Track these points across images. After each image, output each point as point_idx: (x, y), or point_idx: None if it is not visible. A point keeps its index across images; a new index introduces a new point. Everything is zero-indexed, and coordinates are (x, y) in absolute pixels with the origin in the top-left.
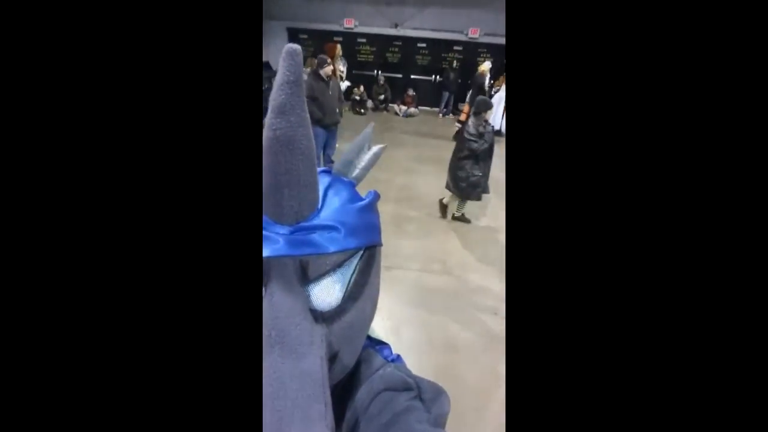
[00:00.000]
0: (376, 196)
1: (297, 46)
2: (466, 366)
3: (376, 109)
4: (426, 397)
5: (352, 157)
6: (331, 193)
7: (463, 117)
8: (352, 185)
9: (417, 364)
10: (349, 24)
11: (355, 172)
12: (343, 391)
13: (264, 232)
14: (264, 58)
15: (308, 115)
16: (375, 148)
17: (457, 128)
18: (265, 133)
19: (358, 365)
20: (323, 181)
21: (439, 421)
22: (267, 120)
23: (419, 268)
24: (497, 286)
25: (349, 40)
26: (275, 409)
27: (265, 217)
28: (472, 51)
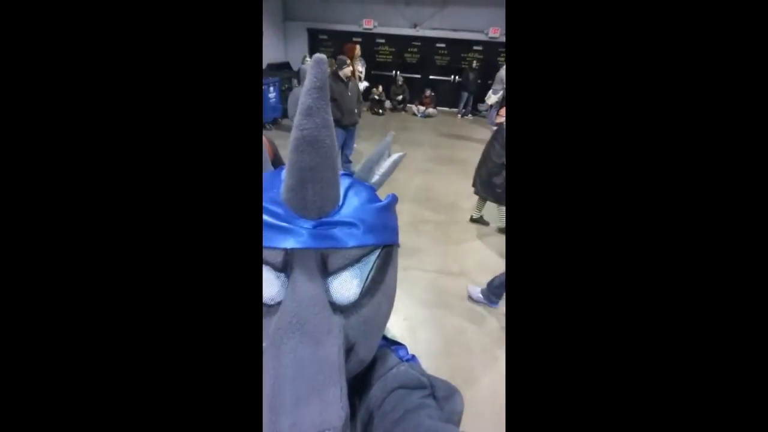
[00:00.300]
0: (395, 199)
1: (324, 56)
2: (481, 368)
3: (394, 109)
4: (439, 395)
5: (372, 164)
6: (351, 193)
7: (500, 119)
8: (372, 188)
9: (432, 365)
10: (369, 24)
11: (375, 178)
12: (358, 389)
13: (288, 225)
14: (284, 59)
15: (331, 118)
16: (394, 156)
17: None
18: (293, 133)
19: (373, 363)
20: (344, 182)
21: (452, 419)
22: (295, 121)
23: (436, 270)
24: None
25: (368, 40)
26: (293, 390)
27: (289, 211)
28: (493, 51)
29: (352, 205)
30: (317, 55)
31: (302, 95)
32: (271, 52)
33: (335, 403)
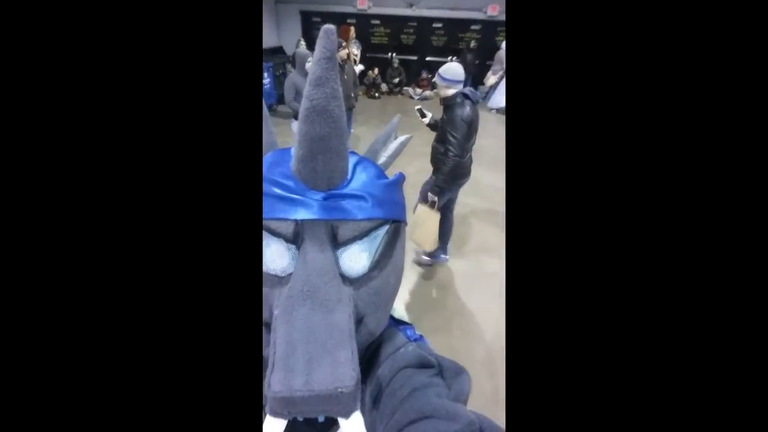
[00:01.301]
0: (402, 177)
1: (333, 26)
2: (480, 348)
3: (390, 92)
4: (447, 375)
5: (378, 146)
6: (359, 168)
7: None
8: (379, 167)
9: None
10: (363, 5)
11: (382, 160)
12: (366, 368)
13: (299, 197)
14: (277, 43)
15: (340, 88)
16: (401, 138)
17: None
18: (303, 104)
19: (381, 343)
20: (353, 159)
21: (460, 399)
22: (305, 92)
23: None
24: None
25: (363, 22)
26: (305, 352)
27: (300, 183)
28: (491, 30)
29: (360, 179)
30: (326, 26)
31: (312, 66)
32: (264, 37)
33: (347, 364)
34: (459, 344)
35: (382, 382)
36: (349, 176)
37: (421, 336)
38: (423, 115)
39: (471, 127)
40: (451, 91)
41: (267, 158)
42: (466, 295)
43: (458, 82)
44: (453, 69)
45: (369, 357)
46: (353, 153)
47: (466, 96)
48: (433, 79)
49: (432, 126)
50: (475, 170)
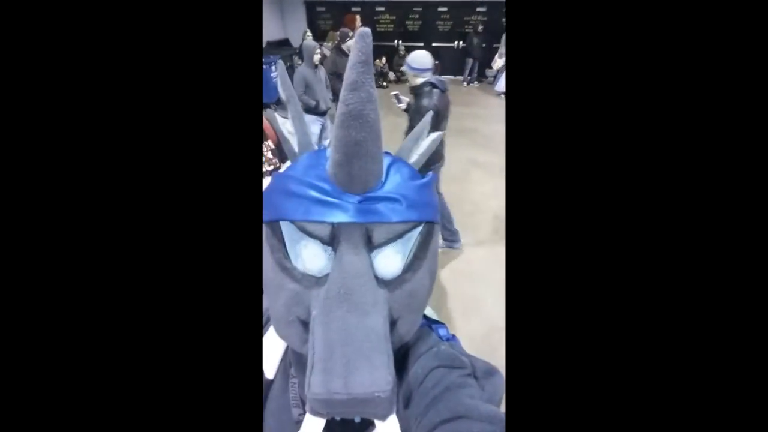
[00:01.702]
0: (434, 177)
1: (368, 30)
2: (498, 334)
3: (398, 80)
4: (479, 375)
5: (410, 145)
6: (393, 170)
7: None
8: (411, 167)
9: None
10: None
11: (414, 159)
12: (399, 366)
13: (335, 200)
14: (282, 35)
15: (375, 92)
16: (433, 135)
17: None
18: (339, 109)
19: (414, 342)
20: (386, 160)
21: (494, 400)
22: (341, 96)
23: (444, 245)
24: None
25: (368, 10)
26: (343, 354)
27: (335, 187)
28: (498, 12)
29: (394, 181)
30: (362, 29)
31: (348, 69)
32: (269, 30)
33: (383, 369)
34: (480, 330)
35: (414, 381)
36: (383, 178)
37: (453, 336)
38: (399, 101)
39: (438, 115)
40: (419, 80)
41: (302, 160)
42: (484, 282)
43: (426, 70)
44: (420, 58)
45: (402, 356)
46: (387, 153)
47: (433, 85)
48: (402, 68)
49: (407, 111)
50: (488, 156)
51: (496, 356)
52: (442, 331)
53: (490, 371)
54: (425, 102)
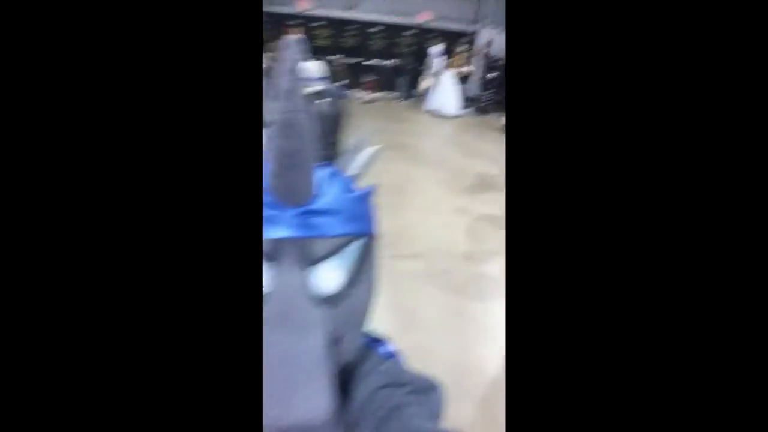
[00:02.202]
0: (372, 190)
1: (297, 37)
2: (439, 345)
3: None
4: (422, 391)
5: (348, 157)
6: (330, 181)
7: None
8: (349, 178)
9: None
10: (304, 6)
11: (352, 171)
12: (342, 388)
13: (270, 213)
14: None
15: (305, 100)
16: (371, 149)
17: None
18: (272, 118)
19: (357, 361)
20: (323, 171)
21: (436, 415)
22: (272, 106)
23: (391, 255)
24: (461, 264)
25: (307, 24)
26: (281, 378)
27: (270, 199)
28: (426, 36)
29: (331, 193)
30: (291, 36)
31: (278, 79)
32: None
33: (322, 393)
34: (420, 342)
35: (359, 404)
36: (319, 190)
37: (395, 352)
38: None
39: (333, 123)
40: (312, 89)
41: None
42: (417, 293)
43: (315, 79)
44: (309, 68)
45: (345, 377)
46: (325, 164)
47: (324, 94)
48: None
49: None
50: (421, 171)
51: (429, 368)
52: (383, 348)
53: (431, 386)
54: (317, 110)
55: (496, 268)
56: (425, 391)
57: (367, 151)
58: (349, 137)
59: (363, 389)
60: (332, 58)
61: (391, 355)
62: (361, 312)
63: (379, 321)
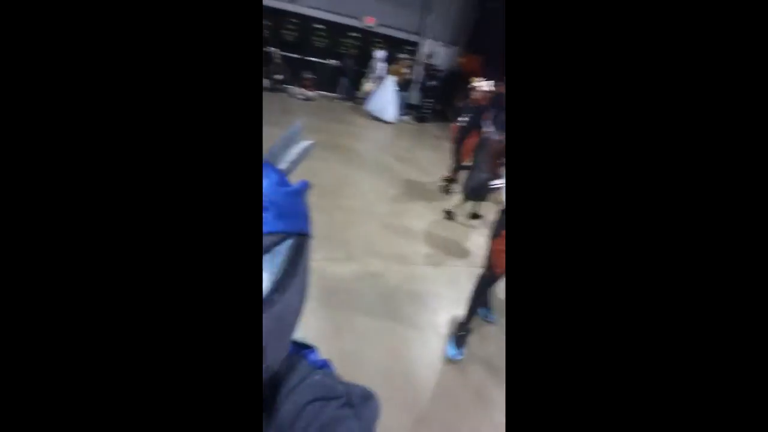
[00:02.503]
0: (306, 185)
1: None
2: (371, 351)
3: (273, 89)
4: (356, 402)
5: (278, 150)
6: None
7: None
8: (281, 172)
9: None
10: None
11: (282, 165)
12: (267, 404)
13: None
14: None
15: None
16: (304, 143)
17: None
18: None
19: (284, 373)
20: None
21: (370, 428)
22: None
23: (323, 257)
24: (394, 267)
25: None
26: None
27: None
28: (369, 39)
29: (263, 185)
30: None
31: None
32: None
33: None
34: (351, 347)
35: (287, 420)
36: None
37: (326, 361)
38: None
39: None
40: None
41: None
42: (355, 296)
43: None
44: None
45: (271, 390)
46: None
47: None
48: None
49: None
50: (360, 173)
51: (361, 375)
52: (312, 356)
53: (366, 395)
54: None
55: (429, 271)
56: (360, 402)
57: (301, 145)
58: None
59: (290, 404)
60: (270, 50)
61: (321, 365)
62: (290, 319)
63: (309, 327)
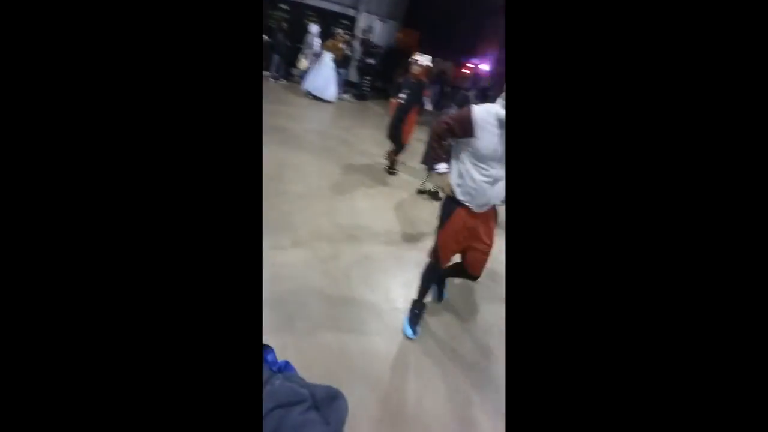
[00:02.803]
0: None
1: None
2: (317, 347)
3: None
4: (321, 404)
5: None
6: None
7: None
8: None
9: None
10: None
11: None
12: None
13: None
14: None
15: None
16: None
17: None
18: None
19: None
20: None
21: (338, 429)
22: None
23: (269, 246)
24: (347, 249)
25: None
26: None
27: None
28: (300, 12)
29: None
30: None
31: None
32: None
33: None
34: (305, 334)
35: None
36: None
37: (286, 363)
38: None
39: None
40: None
41: None
42: (306, 282)
43: None
44: None
45: None
46: None
47: None
48: None
49: None
50: (300, 156)
51: (319, 360)
52: (270, 357)
53: (332, 395)
54: None
55: (380, 250)
56: (326, 404)
57: None
58: None
59: None
60: None
61: (280, 367)
62: None
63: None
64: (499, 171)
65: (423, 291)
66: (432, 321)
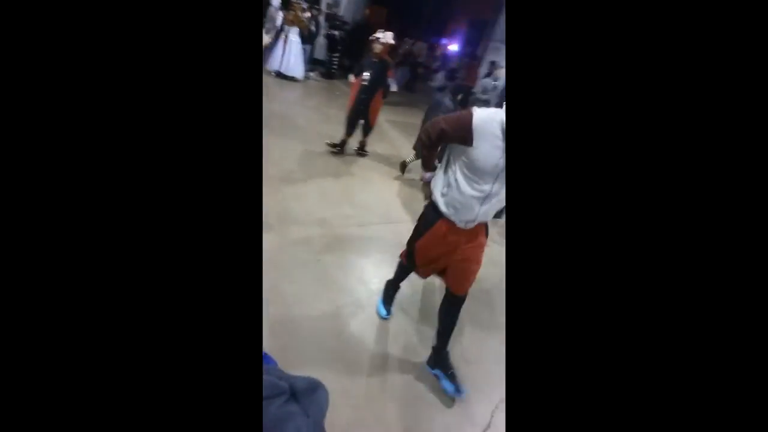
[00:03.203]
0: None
1: None
2: (301, 320)
3: None
4: (301, 394)
5: None
6: None
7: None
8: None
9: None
10: None
11: None
12: None
13: None
14: None
15: None
16: None
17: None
18: None
19: None
20: None
21: (320, 420)
22: None
23: None
24: (319, 231)
25: None
26: None
27: None
28: None
29: None
30: None
31: None
32: None
33: None
34: (281, 317)
35: None
36: None
37: (265, 355)
38: None
39: None
40: None
41: None
42: (278, 266)
43: None
44: None
45: None
46: None
47: None
48: None
49: None
50: (264, 138)
51: (295, 343)
52: None
53: (312, 386)
54: None
55: (353, 231)
56: (306, 395)
57: None
58: None
59: None
60: None
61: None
62: None
63: None
64: (495, 187)
65: (398, 277)
66: (405, 300)
